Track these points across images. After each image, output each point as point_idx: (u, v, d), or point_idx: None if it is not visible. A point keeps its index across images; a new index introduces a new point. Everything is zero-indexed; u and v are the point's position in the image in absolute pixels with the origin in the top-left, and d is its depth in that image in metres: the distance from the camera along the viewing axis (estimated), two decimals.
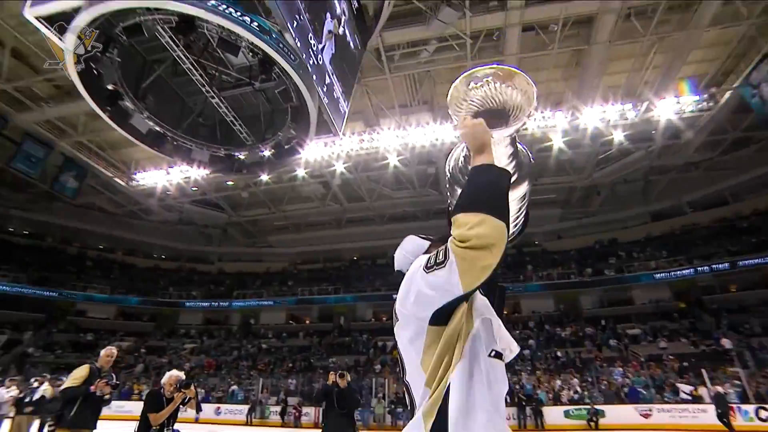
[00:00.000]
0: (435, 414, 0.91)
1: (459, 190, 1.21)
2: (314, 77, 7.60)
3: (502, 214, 0.92)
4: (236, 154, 9.13)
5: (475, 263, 0.89)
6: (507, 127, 1.15)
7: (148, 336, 25.20)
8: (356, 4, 9.44)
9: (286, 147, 8.93)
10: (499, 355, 1.03)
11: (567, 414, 13.48)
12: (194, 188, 23.86)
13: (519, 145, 1.27)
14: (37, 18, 6.55)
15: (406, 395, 1.10)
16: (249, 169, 9.53)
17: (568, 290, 20.50)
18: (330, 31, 8.23)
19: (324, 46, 8.02)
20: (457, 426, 0.88)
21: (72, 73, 6.26)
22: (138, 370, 20.26)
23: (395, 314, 1.10)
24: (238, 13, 6.53)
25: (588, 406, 13.23)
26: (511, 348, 1.07)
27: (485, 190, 0.96)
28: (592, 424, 12.80)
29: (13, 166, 19.08)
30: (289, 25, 6.54)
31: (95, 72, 6.51)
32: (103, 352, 4.24)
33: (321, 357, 21.58)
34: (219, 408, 16.94)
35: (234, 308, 26.20)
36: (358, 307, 25.74)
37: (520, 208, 1.35)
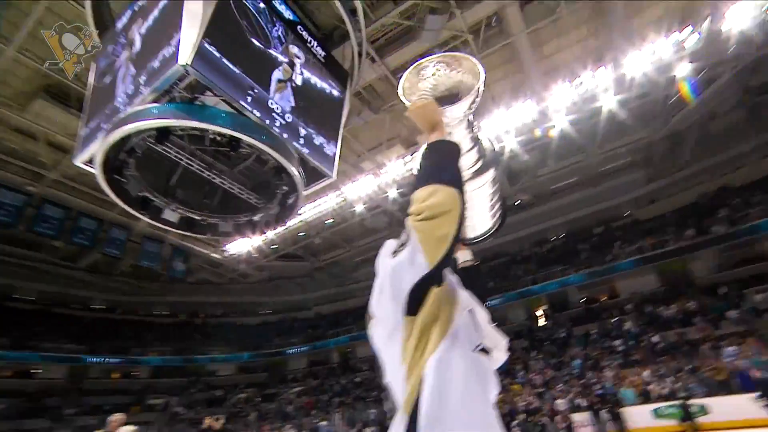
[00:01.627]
0: (412, 406, 0.86)
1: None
2: (284, 135, 8.33)
3: (453, 181, 0.91)
4: (253, 218, 10.30)
5: (433, 233, 0.88)
6: (459, 103, 1.15)
7: (265, 385, 28.17)
8: (321, 53, 10.10)
9: (289, 201, 9.78)
10: (485, 351, 1.01)
11: (657, 413, 10.98)
12: (273, 246, 26.73)
13: (479, 129, 1.30)
14: (84, 164, 8.57)
15: (392, 397, 1.02)
16: (266, 227, 10.63)
17: (671, 260, 17.31)
18: (279, 80, 8.87)
19: (278, 97, 8.63)
20: (428, 418, 0.82)
21: (105, 187, 8.05)
22: (252, 417, 22.77)
23: (369, 312, 1.07)
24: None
25: (685, 401, 10.63)
26: (499, 346, 1.06)
27: (435, 163, 0.96)
28: (689, 423, 10.19)
29: (141, 262, 23.78)
30: (243, 103, 7.40)
31: (124, 181, 8.23)
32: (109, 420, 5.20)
33: None
34: None
35: (332, 346, 27.76)
36: None
37: (492, 197, 1.38)
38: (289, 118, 8.53)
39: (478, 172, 1.27)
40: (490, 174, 1.34)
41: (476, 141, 1.27)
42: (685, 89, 15.39)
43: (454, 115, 1.16)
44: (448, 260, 0.93)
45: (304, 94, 9.21)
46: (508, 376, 16.74)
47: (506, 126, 17.30)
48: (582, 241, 23.34)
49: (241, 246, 24.61)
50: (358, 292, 33.03)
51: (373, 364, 26.43)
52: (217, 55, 6.96)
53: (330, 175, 9.79)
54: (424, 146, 1.05)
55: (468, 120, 1.23)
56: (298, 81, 9.24)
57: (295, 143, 8.60)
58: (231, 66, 7.19)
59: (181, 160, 8.44)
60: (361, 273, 32.08)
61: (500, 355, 1.09)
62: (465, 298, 1.02)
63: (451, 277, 1.04)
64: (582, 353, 15.87)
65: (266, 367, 29.84)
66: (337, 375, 26.44)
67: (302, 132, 8.92)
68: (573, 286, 20.63)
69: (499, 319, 24.16)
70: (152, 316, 33.25)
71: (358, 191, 20.77)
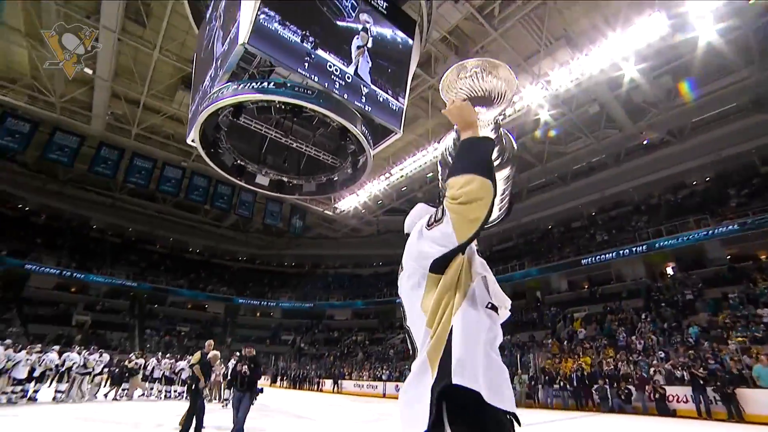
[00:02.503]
0: (441, 353, 1.02)
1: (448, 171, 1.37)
2: (345, 96, 8.59)
3: (488, 173, 1.04)
4: (332, 177, 11.06)
5: (466, 216, 1.02)
6: (491, 109, 1.33)
7: (375, 330, 31.04)
8: (384, 4, 9.82)
9: (360, 160, 10.19)
10: (494, 308, 1.16)
11: None
12: (379, 202, 28.19)
13: (503, 132, 1.47)
14: (192, 141, 10.31)
15: (408, 341, 1.23)
16: (343, 185, 11.30)
17: None
18: (359, 47, 9.05)
19: (358, 63, 8.89)
20: (460, 362, 0.99)
21: (207, 159, 9.67)
22: (359, 357, 25.43)
23: (402, 266, 1.27)
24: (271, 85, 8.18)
25: None
26: (505, 305, 1.23)
27: (472, 155, 1.09)
28: None
29: (265, 221, 27.83)
30: (301, 70, 7.85)
31: (220, 152, 9.73)
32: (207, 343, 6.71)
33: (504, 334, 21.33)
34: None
35: None
36: (551, 279, 23.75)
37: (504, 191, 1.55)
38: (349, 78, 8.73)
39: (498, 168, 1.40)
40: (507, 171, 1.49)
41: (499, 140, 1.39)
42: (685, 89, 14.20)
43: (486, 118, 1.33)
44: (474, 239, 1.10)
45: (375, 51, 9.24)
46: (608, 337, 15.27)
47: (624, 50, 14.41)
48: (735, 186, 18.83)
49: (350, 202, 26.22)
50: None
51: None
52: (275, 27, 7.42)
53: (396, 131, 9.82)
54: (459, 140, 1.18)
55: (496, 122, 1.39)
56: (370, 43, 9.30)
57: (356, 102, 8.82)
58: (288, 36, 7.62)
59: (261, 130, 9.49)
60: None
61: (504, 312, 1.23)
62: (480, 264, 1.19)
63: (472, 246, 1.22)
64: (707, 319, 13.36)
65: (377, 314, 32.57)
66: None
67: (364, 90, 9.05)
68: (715, 239, 17.02)
69: (604, 277, 21.60)
70: (283, 267, 39.08)
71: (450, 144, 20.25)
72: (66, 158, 21.35)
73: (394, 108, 9.69)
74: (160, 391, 13.10)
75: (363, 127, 9.04)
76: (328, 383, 22.51)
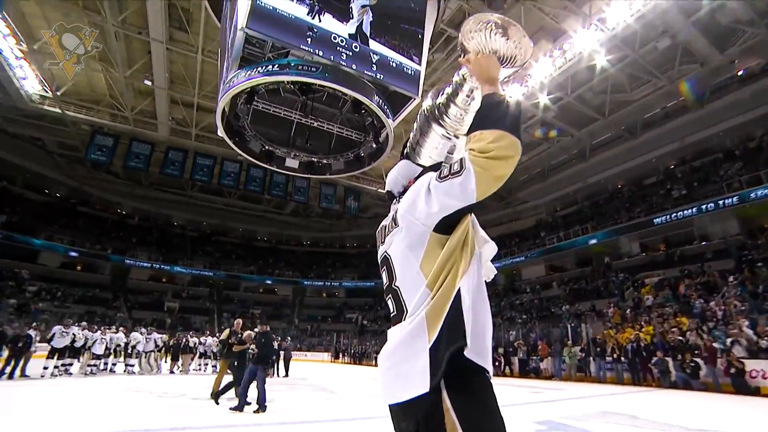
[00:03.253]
0: (443, 316, 0.97)
1: (436, 127, 1.30)
2: (354, 67, 8.38)
3: (518, 132, 1.00)
4: (358, 152, 10.97)
5: (493, 172, 0.97)
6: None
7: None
8: None
9: (382, 132, 9.95)
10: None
11: None
12: None
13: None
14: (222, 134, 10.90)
15: (392, 301, 1.14)
16: (370, 160, 11.14)
17: None
18: (362, 6, 8.69)
19: (361, 22, 8.55)
20: (476, 324, 0.97)
21: (236, 149, 10.16)
22: None
23: (394, 221, 1.18)
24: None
25: None
26: (489, 276, 1.22)
27: (503, 111, 1.02)
28: None
29: (321, 204, 28.90)
30: (304, 46, 7.81)
31: (246, 140, 10.17)
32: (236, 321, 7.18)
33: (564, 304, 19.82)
34: None
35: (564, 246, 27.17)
36: (620, 243, 21.53)
37: None
38: (356, 48, 8.50)
39: None
40: None
41: None
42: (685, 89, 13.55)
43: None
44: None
45: (382, 10, 8.83)
46: (681, 303, 13.45)
47: None
48: None
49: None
50: (523, 213, 31.27)
51: (534, 286, 25.43)
52: (272, 4, 7.42)
53: (414, 96, 9.40)
54: (484, 95, 1.11)
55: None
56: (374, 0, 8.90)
57: (367, 72, 8.58)
58: (287, 12, 7.59)
59: (290, 115, 9.70)
60: (526, 193, 29.99)
61: (490, 273, 1.21)
62: (483, 233, 1.14)
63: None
64: None
65: None
66: (500, 296, 26.66)
67: (374, 58, 8.76)
68: None
69: (684, 237, 18.99)
70: (345, 248, 40.53)
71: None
72: (142, 164, 23.91)
73: (410, 72, 9.26)
74: (214, 366, 14.64)
75: (378, 98, 8.80)
76: None
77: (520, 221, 31.40)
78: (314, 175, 11.93)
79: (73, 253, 26.99)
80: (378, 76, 8.68)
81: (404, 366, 0.98)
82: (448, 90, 1.27)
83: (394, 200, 1.32)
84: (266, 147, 10.60)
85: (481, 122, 1.04)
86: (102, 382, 9.79)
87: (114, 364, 12.26)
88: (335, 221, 38.22)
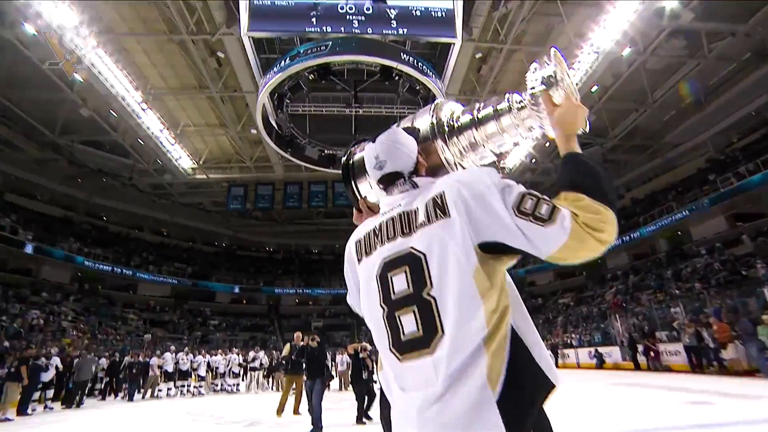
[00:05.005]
0: (506, 354, 0.82)
1: (438, 142, 1.10)
2: (369, 31, 7.59)
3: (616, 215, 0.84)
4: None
5: (584, 251, 0.81)
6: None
7: (584, 288, 26.18)
8: None
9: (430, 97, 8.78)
10: None
11: None
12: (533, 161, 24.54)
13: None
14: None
15: (413, 316, 0.88)
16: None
17: None
18: None
19: None
20: (542, 358, 0.86)
21: (295, 160, 10.30)
22: (559, 321, 21.62)
23: (437, 208, 0.90)
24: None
25: None
26: None
27: (609, 183, 0.87)
28: None
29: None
30: (309, 28, 7.43)
31: (302, 149, 10.22)
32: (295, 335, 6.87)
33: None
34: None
35: (647, 234, 22.18)
36: None
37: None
38: (368, 10, 7.71)
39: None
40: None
41: None
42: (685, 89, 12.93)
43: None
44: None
45: None
46: None
47: None
48: None
49: (517, 156, 23.01)
50: (679, 159, 24.61)
51: (713, 246, 19.13)
52: (269, 1, 7.29)
53: (452, 39, 8.02)
54: (579, 154, 0.93)
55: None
56: None
57: (386, 31, 7.69)
58: (286, 1, 7.35)
59: (334, 111, 9.45)
60: (677, 134, 23.59)
61: None
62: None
63: None
64: None
65: (583, 269, 27.74)
66: (662, 266, 21.02)
67: (392, 13, 7.81)
68: None
69: None
70: None
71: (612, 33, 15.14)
72: (268, 204, 27.23)
73: (440, 14, 7.97)
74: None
75: (407, 57, 7.78)
76: None
77: (675, 170, 24.76)
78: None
79: (237, 290, 32.40)
80: (401, 31, 7.70)
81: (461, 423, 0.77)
82: (484, 113, 1.07)
83: (397, 181, 1.04)
84: (325, 151, 10.56)
85: (592, 183, 0.85)
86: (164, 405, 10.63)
87: (237, 385, 13.49)
88: None
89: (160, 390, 12.08)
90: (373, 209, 1.24)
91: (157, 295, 29.34)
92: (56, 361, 10.23)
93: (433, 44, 9.70)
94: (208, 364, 13.03)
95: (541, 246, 0.81)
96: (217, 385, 13.21)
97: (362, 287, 1.03)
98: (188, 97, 20.83)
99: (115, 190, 28.20)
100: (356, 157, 1.27)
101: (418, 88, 8.59)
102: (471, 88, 20.65)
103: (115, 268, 25.27)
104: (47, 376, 9.86)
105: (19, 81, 17.75)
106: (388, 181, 1.05)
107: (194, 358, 12.62)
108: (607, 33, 14.93)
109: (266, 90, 8.13)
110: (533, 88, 0.99)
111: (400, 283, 0.92)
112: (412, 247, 0.91)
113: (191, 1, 13.93)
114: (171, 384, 12.07)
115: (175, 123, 22.62)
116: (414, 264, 0.90)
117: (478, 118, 1.06)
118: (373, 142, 1.08)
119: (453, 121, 1.09)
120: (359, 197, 1.30)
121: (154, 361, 12.09)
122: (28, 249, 20.87)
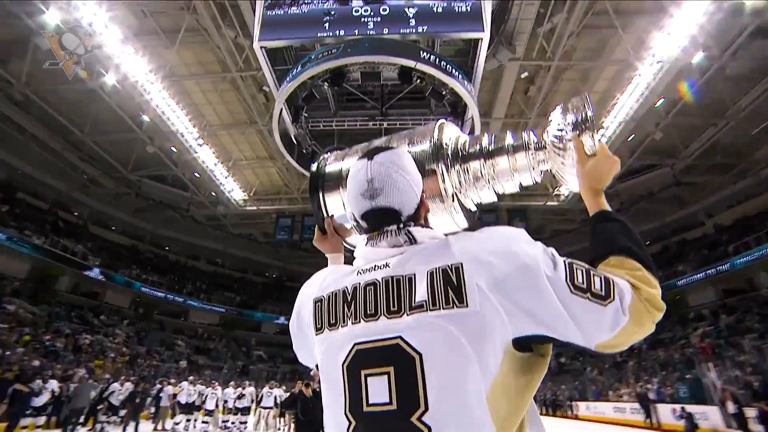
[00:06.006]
0: None
1: (443, 170, 0.97)
2: (385, 31, 7.15)
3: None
4: None
5: (632, 338, 0.67)
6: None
7: (659, 328, 22.41)
8: None
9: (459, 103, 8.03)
10: None
11: None
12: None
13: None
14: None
15: None
16: None
17: None
18: None
19: None
20: None
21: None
22: (629, 367, 18.15)
23: (466, 290, 0.66)
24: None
25: None
26: None
27: (645, 247, 0.75)
28: None
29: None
30: (322, 33, 7.16)
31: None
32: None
33: None
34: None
35: (741, 266, 18.63)
36: None
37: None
38: (384, 11, 7.31)
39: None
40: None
41: None
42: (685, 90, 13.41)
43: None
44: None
45: None
46: None
47: None
48: None
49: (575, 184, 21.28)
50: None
51: None
52: (281, 11, 7.19)
53: (479, 34, 7.30)
54: (614, 217, 0.83)
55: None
56: None
57: (404, 30, 7.20)
58: (300, 10, 7.20)
59: (356, 125, 9.09)
60: (765, 150, 20.23)
61: None
62: None
63: None
64: None
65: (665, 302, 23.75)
66: (766, 305, 17.38)
67: (411, 12, 7.32)
68: None
69: None
70: None
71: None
72: (313, 235, 27.42)
73: (464, 9, 7.31)
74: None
75: (428, 55, 7.19)
76: (582, 407, 17.27)
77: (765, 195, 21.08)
78: None
79: (283, 321, 32.32)
80: (420, 29, 7.17)
81: None
82: (497, 146, 0.97)
83: (387, 227, 0.80)
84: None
85: (643, 254, 0.73)
86: None
87: (225, 421, 12.14)
88: None
89: (176, 423, 11.30)
90: (341, 233, 1.14)
91: (206, 322, 30.19)
92: (53, 385, 9.81)
93: (464, 52, 9.14)
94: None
95: (592, 332, 0.65)
96: (227, 421, 12.08)
97: (320, 365, 0.80)
98: (239, 131, 22.13)
99: (176, 222, 30.20)
100: (330, 167, 1.15)
101: (444, 92, 7.90)
102: (518, 111, 19.61)
103: (168, 295, 26.47)
104: (40, 401, 9.41)
105: (101, 124, 19.97)
106: (376, 222, 0.81)
107: (205, 389, 11.79)
108: (673, 39, 13.37)
109: (281, 97, 7.97)
110: (562, 130, 0.89)
111: (378, 391, 0.66)
112: (401, 338, 0.66)
113: (239, 40, 14.89)
114: (182, 417, 11.32)
115: (228, 157, 23.95)
116: (403, 367, 0.65)
117: (489, 150, 0.97)
118: (369, 159, 0.83)
119: (459, 145, 1.00)
120: (326, 214, 1.16)
121: (168, 389, 11.23)
122: (94, 273, 22.54)
